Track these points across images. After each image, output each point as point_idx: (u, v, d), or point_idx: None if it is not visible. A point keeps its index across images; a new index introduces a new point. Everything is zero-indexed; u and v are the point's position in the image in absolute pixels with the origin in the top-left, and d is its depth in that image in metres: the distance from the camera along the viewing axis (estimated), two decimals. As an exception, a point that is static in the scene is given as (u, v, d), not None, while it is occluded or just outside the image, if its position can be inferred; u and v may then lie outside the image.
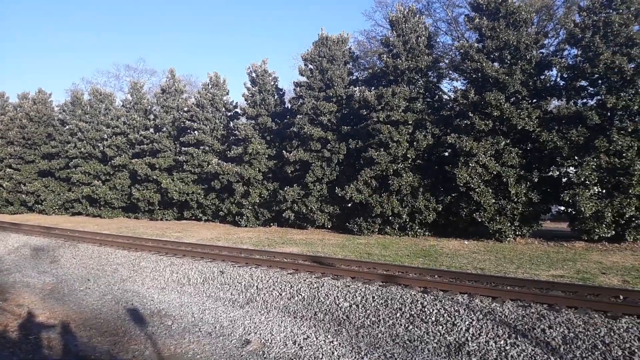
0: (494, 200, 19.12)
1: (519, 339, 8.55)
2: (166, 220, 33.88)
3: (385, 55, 22.99)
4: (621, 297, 10.07)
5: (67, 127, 40.64)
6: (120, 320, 11.68)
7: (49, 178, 41.15)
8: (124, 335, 10.65)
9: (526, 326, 8.82)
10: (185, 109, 34.14)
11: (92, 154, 37.83)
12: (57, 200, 40.38)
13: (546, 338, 8.42)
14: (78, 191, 37.49)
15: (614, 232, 17.31)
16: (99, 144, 38.69)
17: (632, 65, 17.15)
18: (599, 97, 18.40)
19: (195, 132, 31.87)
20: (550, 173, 19.88)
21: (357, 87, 25.42)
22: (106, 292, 14.34)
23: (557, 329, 8.57)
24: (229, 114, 32.98)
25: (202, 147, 31.31)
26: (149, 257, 17.16)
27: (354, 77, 27.20)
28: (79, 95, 41.30)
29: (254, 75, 29.40)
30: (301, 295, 11.88)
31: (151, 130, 35.47)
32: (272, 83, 29.60)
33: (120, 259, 17.50)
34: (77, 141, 38.12)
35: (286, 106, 29.70)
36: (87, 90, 43.25)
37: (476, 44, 20.67)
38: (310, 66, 26.34)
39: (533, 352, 8.16)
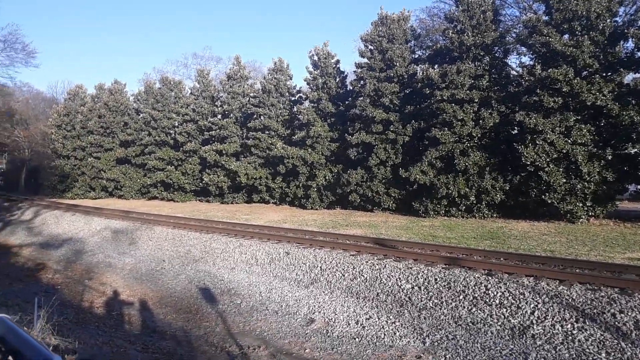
0: (564, 180, 18.36)
1: (587, 323, 8.33)
2: (236, 203, 35.05)
3: (450, 31, 22.43)
4: (702, 281, 9.52)
5: (141, 115, 42.72)
6: (192, 299, 12.40)
7: (126, 165, 43.60)
8: (196, 312, 11.32)
9: (595, 310, 8.56)
10: (252, 94, 34.97)
11: (165, 140, 39.66)
12: (134, 185, 42.76)
13: (616, 323, 8.16)
14: (153, 176, 39.56)
15: (698, 211, 16.23)
16: (171, 131, 40.46)
17: None
18: (681, 68, 17.16)
19: (262, 117, 32.62)
20: (626, 150, 18.79)
21: (420, 66, 25.01)
22: (180, 272, 15.18)
23: (629, 313, 8.26)
24: (293, 98, 33.45)
25: (267, 132, 32.02)
26: (220, 238, 17.91)
27: (416, 56, 26.77)
28: (151, 85, 43.27)
29: (315, 58, 29.57)
30: (363, 276, 12.07)
31: (219, 116, 36.64)
32: (334, 65, 29.66)
33: (192, 241, 18.39)
34: (150, 129, 40.09)
35: (348, 88, 29.73)
36: (158, 79, 45.04)
37: (544, 17, 19.72)
38: (370, 47, 26.16)
39: (602, 336, 7.94)
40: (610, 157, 17.82)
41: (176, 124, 40.11)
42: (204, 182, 35.63)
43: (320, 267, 13.25)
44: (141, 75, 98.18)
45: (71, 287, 14.45)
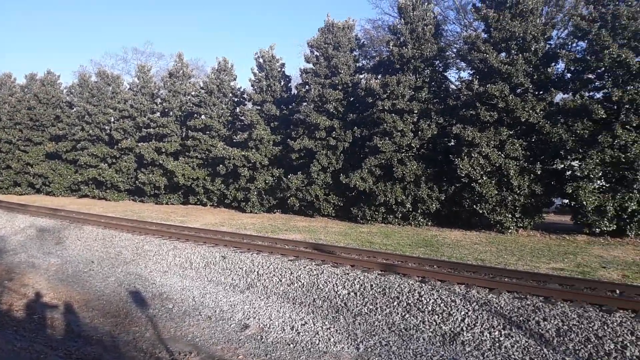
0: (496, 192, 19.12)
1: (514, 330, 8.67)
2: (172, 204, 34.12)
3: (392, 43, 22.84)
4: (617, 291, 10.13)
5: (75, 109, 40.83)
6: (122, 302, 11.91)
7: (56, 160, 41.47)
8: (125, 317, 10.87)
9: (521, 318, 8.93)
10: (193, 93, 34.23)
11: (99, 136, 38.06)
12: (64, 182, 40.70)
13: (540, 330, 8.53)
14: (85, 173, 37.79)
15: (615, 226, 17.28)
16: (106, 127, 38.90)
17: (639, 59, 17.01)
18: (605, 91, 18.28)
19: (203, 116, 31.99)
20: (554, 166, 19.82)
21: (363, 75, 25.36)
22: (109, 274, 14.57)
23: (552, 321, 8.67)
24: (236, 99, 33.02)
25: (208, 132, 31.44)
26: (153, 240, 17.37)
27: (360, 65, 27.10)
28: (86, 78, 41.44)
29: (261, 60, 29.37)
30: (301, 281, 12.03)
31: (158, 114, 35.58)
32: (279, 69, 29.56)
33: (124, 242, 17.73)
34: (84, 124, 38.34)
35: (292, 92, 29.70)
36: (94, 72, 43.25)
37: (483, 34, 20.51)
38: (316, 53, 26.26)
39: (527, 343, 8.28)
40: (539, 172, 18.71)
41: (112, 120, 38.57)
42: (139, 181, 34.41)
43: (257, 271, 13.10)
44: (77, 67, 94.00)
45: (-12, 288, 13.52)
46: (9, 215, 24.89)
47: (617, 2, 17.81)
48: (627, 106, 17.12)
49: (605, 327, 8.23)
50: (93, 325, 10.48)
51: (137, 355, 8.82)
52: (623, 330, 8.10)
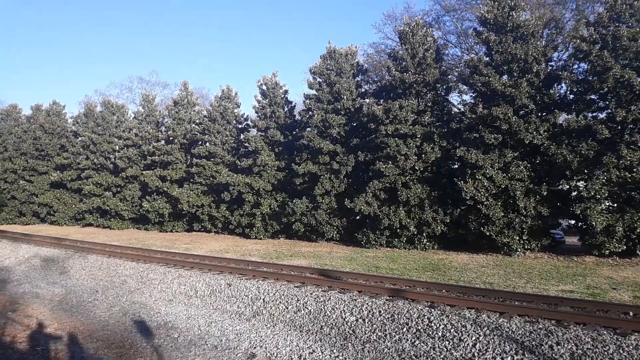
0: (502, 214, 18.99)
1: (527, 355, 8.47)
2: (176, 232, 34.01)
3: (393, 69, 23.07)
4: (631, 313, 9.95)
5: (80, 138, 41.12)
6: (127, 332, 11.73)
7: (61, 190, 41.57)
8: (130, 347, 10.69)
9: (533, 342, 8.73)
10: (197, 121, 34.45)
11: (104, 165, 38.23)
12: (68, 211, 40.73)
13: (554, 355, 8.34)
14: (89, 202, 37.83)
15: (625, 247, 17.11)
16: (111, 156, 39.13)
17: (642, 79, 17.08)
18: (608, 111, 18.37)
19: (207, 144, 32.14)
20: (560, 187, 19.74)
21: (366, 100, 25.51)
22: (114, 303, 14.41)
23: (565, 345, 8.47)
24: (240, 126, 33.22)
25: (212, 159, 31.53)
26: (157, 269, 17.22)
27: (363, 90, 27.30)
28: (92, 107, 41.85)
29: (264, 87, 29.62)
30: (307, 309, 11.86)
31: (162, 142, 35.76)
32: (282, 95, 29.79)
33: (128, 271, 17.59)
34: (89, 153, 38.59)
35: (296, 118, 29.86)
36: (99, 102, 43.67)
37: (485, 58, 20.67)
38: (318, 79, 26.50)
39: (540, 369, 8.08)
40: (545, 193, 18.62)
41: (117, 149, 38.83)
42: (143, 209, 34.38)
43: (263, 299, 12.93)
44: (82, 98, 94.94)
45: (-8, 320, 13.37)
46: (14, 245, 24.82)
47: (617, 24, 17.97)
48: (631, 126, 17.15)
49: (621, 351, 8.03)
50: (97, 356, 10.30)
51: (143, 386, 8.64)
52: (639, 354, 7.90)
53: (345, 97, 25.12)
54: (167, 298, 14.58)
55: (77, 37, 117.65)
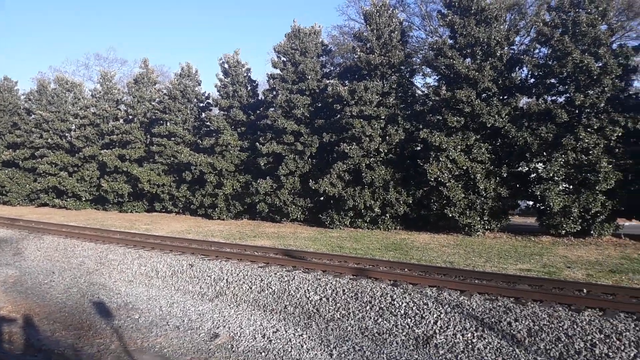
0: (463, 195, 19.34)
1: (486, 331, 8.66)
2: (136, 212, 33.31)
3: (358, 50, 22.96)
4: (585, 290, 10.30)
5: (33, 116, 39.55)
6: (85, 314, 11.44)
7: (14, 168, 39.96)
8: (89, 329, 10.43)
9: (493, 319, 8.94)
10: (158, 99, 33.60)
11: (59, 144, 36.88)
12: (22, 191, 39.29)
13: (512, 331, 8.56)
14: (44, 182, 36.52)
15: (579, 227, 17.70)
16: (67, 135, 37.78)
17: (599, 65, 17.54)
18: (567, 95, 18.81)
19: (167, 123, 31.41)
20: (520, 169, 20.20)
21: (331, 81, 25.37)
22: (71, 284, 14.02)
23: (523, 322, 8.71)
24: (201, 105, 32.62)
25: (173, 139, 30.88)
26: (117, 249, 16.83)
27: (327, 71, 27.12)
28: (45, 84, 40.18)
29: (226, 66, 29.06)
30: (271, 288, 11.81)
31: (121, 120, 34.73)
32: (245, 74, 29.34)
33: (86, 252, 17.13)
34: (42, 131, 37.16)
35: (259, 98, 29.46)
36: (53, 79, 42.01)
37: (449, 41, 20.79)
38: (283, 58, 26.15)
39: (499, 344, 8.28)
40: (505, 175, 19.04)
41: (73, 127, 37.53)
42: (102, 189, 33.47)
43: (227, 279, 12.81)
44: (35, 74, 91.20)
45: (-61, 302, 12.80)
46: (-37, 226, 23.81)
47: (577, 10, 18.32)
48: (589, 110, 17.63)
49: (575, 326, 8.31)
50: (54, 338, 10.00)
51: (102, 368, 8.44)
52: (592, 329, 8.19)
53: (310, 77, 24.90)
54: (127, 279, 14.29)
55: (30, 9, 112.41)
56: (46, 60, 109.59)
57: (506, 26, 20.45)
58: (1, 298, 13.02)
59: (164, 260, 14.90)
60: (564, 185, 18.47)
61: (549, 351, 7.95)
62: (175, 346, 9.24)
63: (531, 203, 20.77)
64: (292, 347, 8.90)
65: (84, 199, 36.17)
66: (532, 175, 19.80)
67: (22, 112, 40.78)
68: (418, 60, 26.78)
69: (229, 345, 9.14)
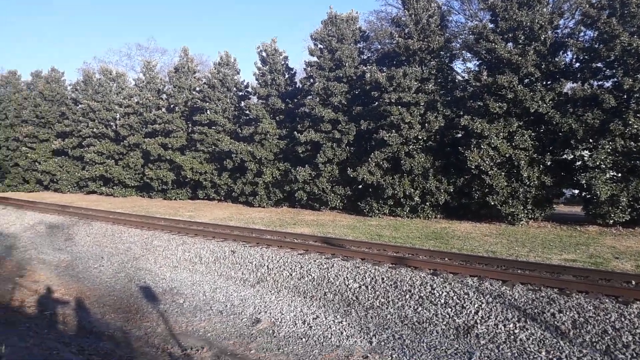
0: (506, 184, 18.96)
1: (529, 322, 8.57)
2: (179, 199, 34.15)
3: (396, 35, 22.66)
4: (633, 282, 10.02)
5: (80, 106, 40.93)
6: (133, 298, 11.90)
7: (63, 157, 41.60)
8: (136, 312, 10.86)
9: (536, 310, 8.82)
10: (198, 88, 34.18)
11: (105, 133, 38.11)
12: (71, 178, 40.87)
13: (555, 322, 8.43)
14: (92, 170, 37.90)
15: (629, 216, 17.11)
16: (112, 123, 38.96)
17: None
18: (615, 80, 18.06)
19: (207, 111, 31.93)
20: (564, 156, 19.63)
21: (368, 67, 25.20)
22: (119, 269, 14.57)
23: (567, 313, 8.56)
24: (240, 93, 32.96)
25: (214, 127, 31.39)
26: (162, 235, 17.35)
27: (365, 57, 26.89)
28: (90, 74, 41.45)
29: (264, 54, 29.24)
30: (311, 275, 11.97)
31: (164, 109, 35.53)
32: (283, 62, 29.44)
33: (133, 238, 17.72)
34: (89, 120, 38.43)
35: (297, 86, 29.57)
36: (98, 69, 43.29)
37: (490, 25, 20.27)
38: (320, 46, 26.10)
39: (542, 335, 8.18)
40: (549, 163, 18.55)
41: (117, 116, 38.64)
42: (146, 176, 34.47)
43: (267, 266, 13.05)
44: (80, 65, 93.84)
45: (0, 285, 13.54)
46: (19, 213, 24.97)
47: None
48: (638, 95, 16.91)
49: (623, 319, 8.12)
50: (104, 321, 10.47)
51: (149, 350, 8.79)
52: (640, 321, 7.98)
53: (347, 64, 24.78)
54: (171, 264, 14.73)
55: (75, 3, 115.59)
56: (90, 51, 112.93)
57: (550, 9, 19.72)
58: (55, 281, 13.68)
59: (207, 247, 15.28)
60: (612, 173, 17.83)
61: (594, 344, 7.80)
62: (219, 330, 9.52)
63: (577, 192, 20.20)
64: (331, 334, 9.03)
65: (129, 185, 37.32)
66: (578, 163, 19.23)
67: (70, 102, 42.26)
68: (458, 45, 26.31)
69: (270, 331, 9.36)
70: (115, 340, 9.31)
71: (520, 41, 19.37)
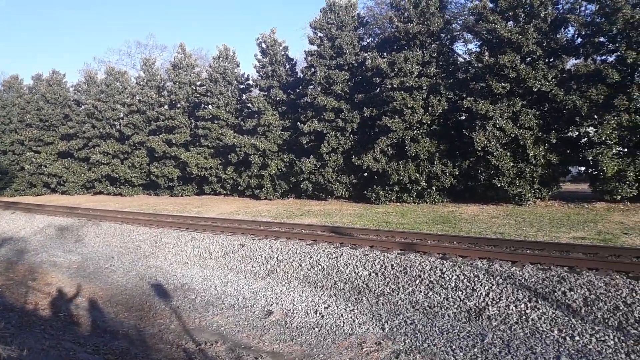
0: (512, 164, 18.89)
1: (540, 302, 8.56)
2: (186, 196, 34.29)
3: (396, 19, 22.50)
4: (643, 257, 9.99)
5: (83, 107, 41.00)
6: (145, 296, 11.98)
7: (69, 159, 41.81)
8: (149, 310, 10.94)
9: (546, 289, 8.81)
10: (198, 83, 34.16)
11: (110, 133, 38.24)
12: (78, 180, 41.09)
13: (567, 300, 8.42)
14: (98, 171, 38.10)
15: (636, 191, 17.01)
16: (116, 123, 39.06)
17: (653, 20, 16.57)
18: (618, 54, 17.87)
19: (210, 106, 31.93)
20: (569, 134, 19.51)
21: (369, 54, 25.07)
22: (130, 268, 14.66)
23: (578, 291, 8.55)
24: (241, 86, 32.91)
25: (217, 122, 31.39)
26: (170, 233, 17.43)
27: (365, 43, 26.75)
28: (92, 75, 41.52)
29: (263, 45, 29.13)
30: (321, 265, 12.01)
31: (166, 106, 35.55)
32: (283, 53, 29.32)
33: (142, 236, 17.82)
34: (94, 121, 38.54)
35: (298, 76, 29.47)
36: (99, 69, 43.34)
37: (489, 4, 20.08)
38: (319, 34, 25.97)
39: (554, 314, 8.18)
40: (554, 141, 18.45)
41: (121, 116, 38.72)
42: (152, 174, 34.62)
43: (277, 257, 13.09)
44: (81, 65, 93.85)
45: (13, 289, 13.66)
46: (28, 216, 25.15)
47: (627, -39, 17.28)
48: (642, 68, 16.75)
49: (634, 294, 8.10)
50: (118, 319, 10.56)
51: (164, 347, 8.86)
52: (652, 296, 7.97)
53: (347, 51, 24.67)
54: (181, 261, 14.81)
55: (71, 4, 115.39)
56: (89, 51, 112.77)
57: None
58: (67, 283, 13.79)
59: (216, 242, 15.34)
60: (618, 149, 17.71)
61: (606, 320, 7.79)
62: (232, 324, 9.58)
63: (583, 169, 20.10)
64: (344, 322, 9.07)
65: (136, 184, 37.49)
66: (583, 140, 19.11)
67: (72, 103, 42.39)
68: (458, 26, 26.09)
69: (283, 322, 9.41)
70: (129, 338, 9.39)
71: (521, 19, 19.21)
